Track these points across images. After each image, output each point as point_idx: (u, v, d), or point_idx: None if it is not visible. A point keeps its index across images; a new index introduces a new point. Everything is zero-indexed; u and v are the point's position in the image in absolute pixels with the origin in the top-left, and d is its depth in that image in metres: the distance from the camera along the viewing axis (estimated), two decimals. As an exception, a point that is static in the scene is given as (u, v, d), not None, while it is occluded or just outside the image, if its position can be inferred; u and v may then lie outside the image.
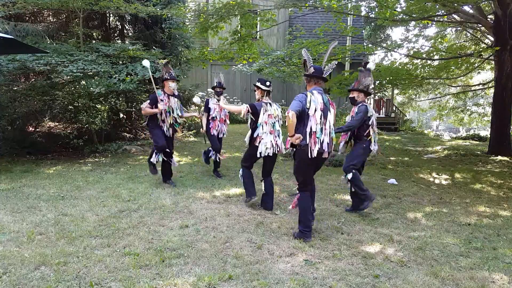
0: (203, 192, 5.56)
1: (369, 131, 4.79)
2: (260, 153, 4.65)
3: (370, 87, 4.91)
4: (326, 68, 3.94)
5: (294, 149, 3.88)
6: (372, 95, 5.62)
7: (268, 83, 4.79)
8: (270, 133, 4.68)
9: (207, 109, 6.50)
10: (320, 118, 3.73)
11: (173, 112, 5.70)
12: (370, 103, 5.34)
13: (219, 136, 6.60)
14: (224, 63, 12.76)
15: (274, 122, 4.75)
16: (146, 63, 5.75)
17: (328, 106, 3.86)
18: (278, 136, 4.79)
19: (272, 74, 11.67)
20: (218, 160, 6.62)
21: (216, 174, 6.69)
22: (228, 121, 6.75)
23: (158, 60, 8.85)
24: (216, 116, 6.49)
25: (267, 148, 4.63)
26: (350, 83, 10.35)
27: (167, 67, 5.71)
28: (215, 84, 6.51)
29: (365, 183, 5.26)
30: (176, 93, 5.85)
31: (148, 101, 5.55)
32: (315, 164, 3.94)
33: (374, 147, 4.84)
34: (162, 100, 5.53)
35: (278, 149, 4.77)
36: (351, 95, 4.95)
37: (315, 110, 3.71)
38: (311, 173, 3.99)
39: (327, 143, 3.80)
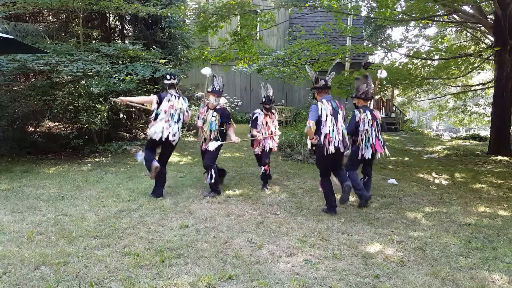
0: (203, 192, 5.56)
1: (359, 137, 5.16)
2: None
3: (369, 92, 5.29)
4: (327, 79, 4.76)
5: (314, 147, 4.65)
6: (374, 97, 5.87)
7: (168, 77, 5.06)
8: (166, 122, 4.88)
9: (255, 125, 5.89)
10: (331, 121, 4.52)
11: (206, 125, 5.39)
12: (370, 105, 5.47)
13: (265, 150, 5.88)
14: (224, 65, 12.70)
15: (174, 114, 4.95)
16: (206, 70, 5.53)
17: (337, 110, 4.63)
18: (174, 125, 4.95)
19: (272, 75, 11.64)
20: (265, 173, 5.90)
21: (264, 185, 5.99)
22: (276, 138, 6.08)
23: (158, 60, 8.86)
24: (262, 133, 5.87)
25: (155, 132, 4.83)
26: (350, 83, 10.37)
27: (211, 80, 5.51)
28: (264, 100, 5.83)
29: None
30: (218, 107, 5.44)
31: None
32: (332, 158, 4.58)
33: (364, 153, 5.13)
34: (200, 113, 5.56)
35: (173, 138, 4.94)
36: (353, 102, 5.51)
37: (327, 116, 4.52)
38: (329, 164, 4.70)
39: (340, 140, 4.56)
